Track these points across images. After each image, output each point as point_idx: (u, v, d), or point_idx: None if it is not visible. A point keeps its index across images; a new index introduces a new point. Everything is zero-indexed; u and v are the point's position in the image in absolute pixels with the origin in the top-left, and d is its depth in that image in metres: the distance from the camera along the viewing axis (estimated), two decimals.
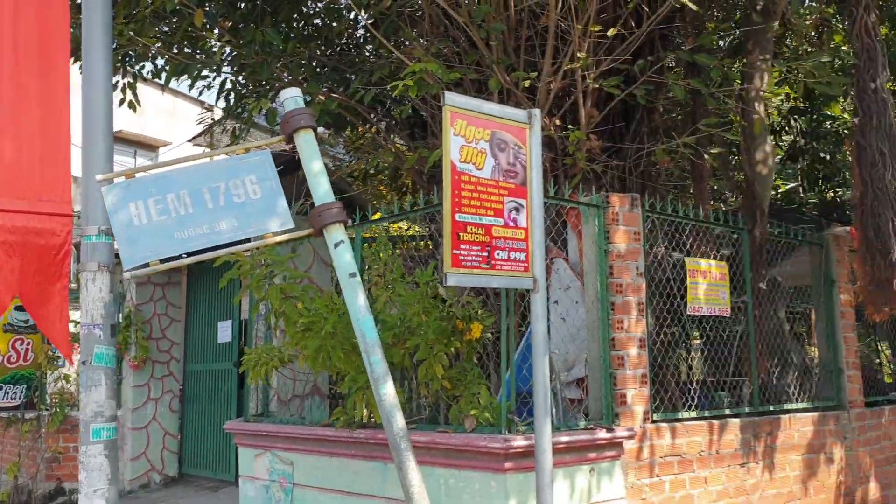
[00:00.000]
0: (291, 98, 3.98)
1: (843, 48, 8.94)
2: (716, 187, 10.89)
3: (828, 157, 10.80)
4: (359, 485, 5.34)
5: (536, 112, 4.30)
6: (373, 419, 5.22)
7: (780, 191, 12.92)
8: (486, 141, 4.10)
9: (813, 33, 9.17)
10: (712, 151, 6.89)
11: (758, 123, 6.80)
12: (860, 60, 6.41)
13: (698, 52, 6.58)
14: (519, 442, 4.41)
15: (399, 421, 3.61)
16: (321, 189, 3.86)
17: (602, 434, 4.96)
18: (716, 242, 7.28)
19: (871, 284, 6.23)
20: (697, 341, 9.31)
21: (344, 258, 3.74)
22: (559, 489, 4.68)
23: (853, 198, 6.72)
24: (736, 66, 8.04)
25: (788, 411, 6.76)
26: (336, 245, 3.77)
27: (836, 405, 7.34)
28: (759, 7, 7.15)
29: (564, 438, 4.69)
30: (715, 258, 6.59)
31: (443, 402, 5.10)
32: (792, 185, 12.81)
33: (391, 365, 4.86)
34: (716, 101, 6.75)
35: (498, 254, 4.09)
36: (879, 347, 11.96)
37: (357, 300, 3.69)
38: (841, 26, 8.69)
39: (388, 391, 3.62)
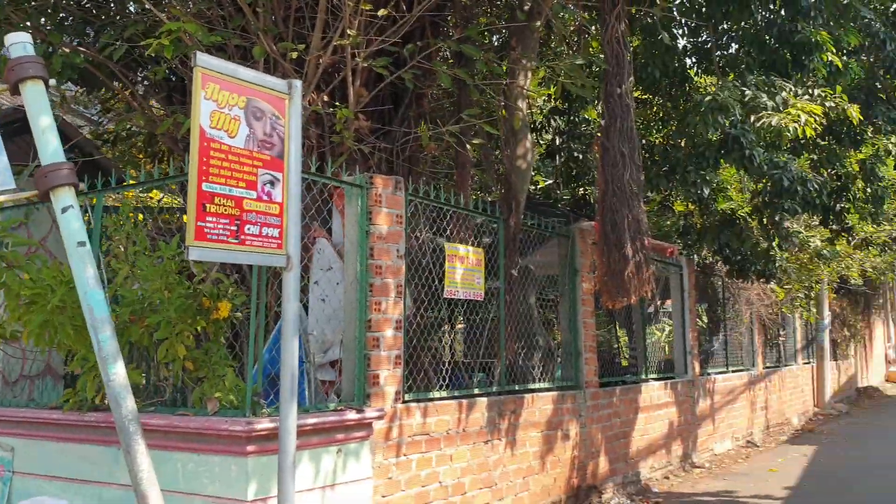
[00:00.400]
0: (19, 44, 3.56)
1: (600, 56, 9.61)
2: (483, 178, 11.33)
3: (581, 157, 11.59)
4: (89, 471, 4.93)
5: (297, 83, 4.16)
6: (106, 401, 4.83)
7: (539, 186, 13.73)
8: (240, 108, 3.90)
9: (575, 39, 9.78)
10: (475, 142, 7.12)
11: (517, 119, 7.12)
12: (609, 66, 6.90)
13: (466, 43, 6.75)
14: (263, 424, 4.27)
15: (129, 403, 3.35)
16: (49, 147, 3.48)
17: (351, 415, 4.94)
18: (477, 230, 7.55)
19: (607, 275, 6.76)
20: (462, 325, 9.66)
21: (72, 225, 3.40)
22: (304, 471, 4.61)
23: (597, 195, 7.24)
24: (505, 62, 8.37)
25: (532, 391, 7.18)
26: (64, 210, 3.41)
27: (574, 385, 7.91)
28: (526, 7, 7.47)
29: (312, 420, 4.62)
30: (475, 245, 6.82)
31: (188, 384, 4.82)
32: (550, 181, 13.65)
33: (130, 344, 4.54)
34: (480, 93, 6.97)
35: (248, 228, 3.91)
36: (618, 333, 13.10)
37: (85, 272, 3.37)
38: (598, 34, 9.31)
39: (117, 371, 3.35)
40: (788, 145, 10.07)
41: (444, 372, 6.37)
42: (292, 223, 4.10)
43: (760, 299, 14.25)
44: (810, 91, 7.65)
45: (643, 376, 9.83)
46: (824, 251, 12.97)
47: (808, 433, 14.68)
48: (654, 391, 9.69)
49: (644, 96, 11.43)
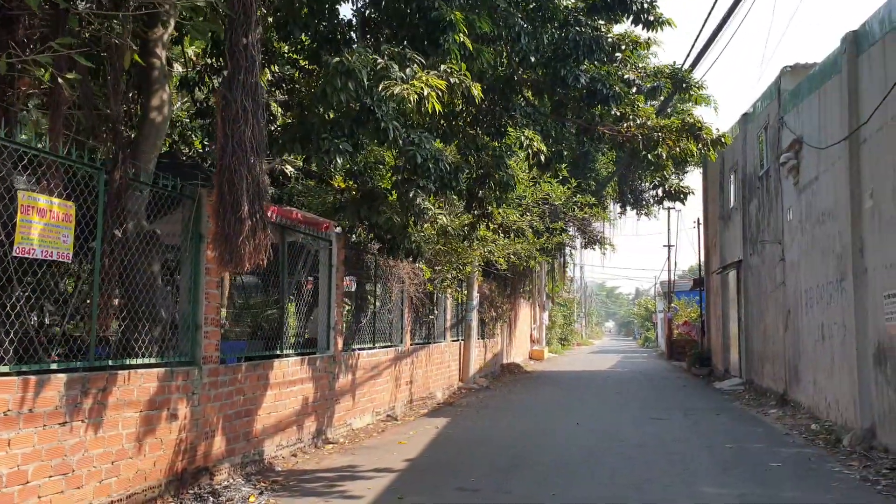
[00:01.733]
0: None
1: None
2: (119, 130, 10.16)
3: None
4: None
5: None
6: None
7: (196, 148, 12.81)
8: None
9: None
10: (69, 77, 6.14)
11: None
12: (235, 13, 6.35)
13: None
14: None
15: None
16: None
17: None
18: (78, 181, 6.59)
19: (221, 238, 6.23)
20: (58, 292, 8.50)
21: None
22: None
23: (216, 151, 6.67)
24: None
25: (132, 366, 6.43)
26: None
27: (189, 361, 7.29)
28: None
29: None
30: (67, 198, 5.90)
31: None
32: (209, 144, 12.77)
33: None
34: (83, 23, 6.05)
35: None
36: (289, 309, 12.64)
37: None
38: None
39: None
40: (442, 127, 10.36)
41: (9, 343, 5.40)
42: None
43: (411, 278, 14.66)
44: (440, 68, 7.72)
45: (279, 351, 9.46)
46: (449, 228, 13.62)
47: (448, 406, 15.48)
48: (288, 367, 9.37)
49: (311, 67, 11.07)
